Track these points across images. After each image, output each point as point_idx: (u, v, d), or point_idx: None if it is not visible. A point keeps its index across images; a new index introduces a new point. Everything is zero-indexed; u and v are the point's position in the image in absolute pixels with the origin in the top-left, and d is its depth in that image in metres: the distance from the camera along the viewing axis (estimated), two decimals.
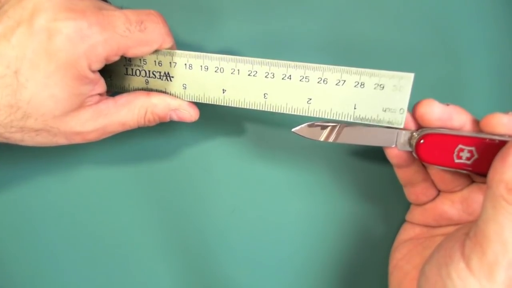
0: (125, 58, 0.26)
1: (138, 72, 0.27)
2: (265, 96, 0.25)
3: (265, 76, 0.25)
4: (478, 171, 0.23)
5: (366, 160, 0.31)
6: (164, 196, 0.33)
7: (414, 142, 0.24)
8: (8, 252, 0.34)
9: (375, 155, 0.30)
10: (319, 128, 0.25)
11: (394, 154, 0.25)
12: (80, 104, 0.24)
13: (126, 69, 0.27)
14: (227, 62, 0.25)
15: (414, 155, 0.24)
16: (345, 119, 0.24)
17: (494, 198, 0.19)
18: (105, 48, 0.23)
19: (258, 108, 0.26)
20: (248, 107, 0.26)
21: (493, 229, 0.19)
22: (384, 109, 0.24)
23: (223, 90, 0.26)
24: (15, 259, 0.34)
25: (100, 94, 0.25)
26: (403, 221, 0.29)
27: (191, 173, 0.32)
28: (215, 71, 0.26)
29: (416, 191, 0.27)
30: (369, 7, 0.30)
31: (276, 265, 0.32)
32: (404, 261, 0.27)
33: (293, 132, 0.26)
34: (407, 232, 0.28)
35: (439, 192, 0.27)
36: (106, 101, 0.26)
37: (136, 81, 0.27)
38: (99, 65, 0.24)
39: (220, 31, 0.31)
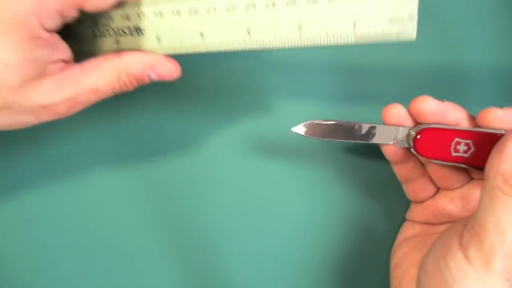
0: (90, 18, 0.23)
1: (106, 32, 0.24)
2: (249, 32, 0.22)
3: (246, 9, 0.21)
4: (476, 164, 0.23)
5: (367, 158, 0.31)
6: (163, 195, 0.32)
7: (411, 138, 0.24)
8: (12, 257, 0.33)
9: (375, 152, 0.29)
10: (318, 126, 0.25)
11: (390, 151, 0.25)
12: (40, 72, 0.21)
13: (93, 30, 0.24)
14: (200, 1, 0.22)
15: (413, 151, 0.24)
16: (345, 41, 0.21)
17: (491, 190, 0.19)
18: (55, 0, 0.20)
19: (243, 48, 0.22)
20: (231, 49, 0.22)
21: (490, 220, 0.19)
22: (390, 20, 0.20)
23: (201, 34, 0.23)
24: (19, 263, 0.33)
25: (64, 61, 0.23)
26: (404, 219, 0.29)
27: (191, 172, 0.32)
28: (189, 14, 0.22)
29: (414, 187, 0.27)
30: None
31: (276, 264, 0.32)
32: (404, 259, 0.26)
33: (291, 131, 0.25)
34: (407, 231, 0.28)
35: (438, 189, 0.27)
36: (72, 67, 0.23)
37: (106, 42, 0.24)
38: (53, 22, 0.21)
39: None
